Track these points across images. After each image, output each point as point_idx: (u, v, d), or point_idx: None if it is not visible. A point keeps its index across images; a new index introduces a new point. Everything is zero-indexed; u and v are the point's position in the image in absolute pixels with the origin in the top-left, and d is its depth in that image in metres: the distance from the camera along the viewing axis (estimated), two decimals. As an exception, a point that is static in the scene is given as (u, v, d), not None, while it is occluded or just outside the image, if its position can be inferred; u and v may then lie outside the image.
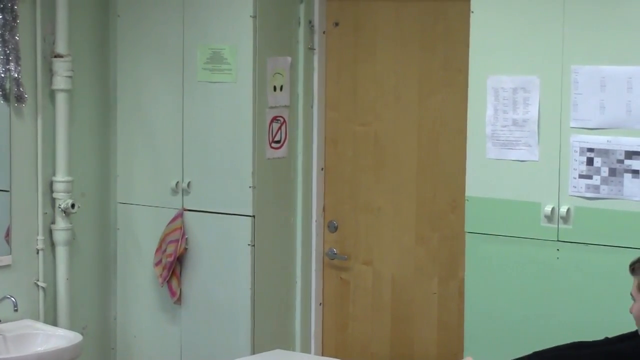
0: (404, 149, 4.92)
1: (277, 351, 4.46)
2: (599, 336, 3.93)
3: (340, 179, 5.09)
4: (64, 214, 5.03)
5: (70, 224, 5.06)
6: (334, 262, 5.13)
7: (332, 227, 5.12)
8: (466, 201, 4.28)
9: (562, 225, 4.05)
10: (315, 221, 5.13)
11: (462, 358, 4.25)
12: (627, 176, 3.92)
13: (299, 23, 5.01)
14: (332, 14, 5.06)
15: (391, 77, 4.94)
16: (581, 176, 4.01)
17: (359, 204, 5.06)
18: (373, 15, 4.97)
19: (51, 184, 5.03)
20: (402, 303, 4.97)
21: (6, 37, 4.74)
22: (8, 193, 4.88)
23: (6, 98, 4.80)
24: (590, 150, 3.98)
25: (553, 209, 4.06)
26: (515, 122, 4.14)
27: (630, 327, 3.79)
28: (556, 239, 4.07)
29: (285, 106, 4.96)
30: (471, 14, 4.23)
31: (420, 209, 4.90)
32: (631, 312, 3.43)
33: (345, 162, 5.07)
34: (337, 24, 5.06)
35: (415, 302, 4.93)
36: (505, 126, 4.16)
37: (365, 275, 5.07)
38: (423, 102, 4.86)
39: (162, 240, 5.06)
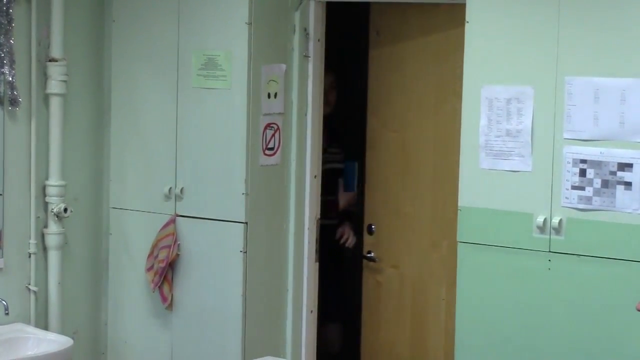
0: (423, 157, 5.06)
1: (268, 358, 4.44)
2: (589, 347, 3.95)
3: (378, 183, 5.21)
4: (56, 218, 5.02)
5: (63, 228, 5.06)
6: (370, 264, 5.26)
7: (370, 231, 5.28)
8: (459, 211, 4.28)
9: (554, 236, 4.05)
10: (308, 228, 5.12)
11: None
12: (620, 188, 3.93)
13: (294, 30, 5.00)
14: (374, 23, 5.21)
15: (419, 86, 5.05)
16: (574, 187, 4.01)
17: (390, 208, 5.18)
18: (407, 26, 5.07)
19: (44, 188, 5.01)
20: (418, 307, 5.06)
21: (1, 41, 4.72)
22: (1, 197, 4.85)
23: (0, 101, 4.79)
24: (583, 161, 3.99)
25: (545, 219, 4.06)
26: (508, 133, 4.15)
27: (620, 339, 3.80)
28: (548, 250, 4.07)
29: (280, 113, 4.96)
30: (466, 24, 4.24)
31: (434, 215, 5.00)
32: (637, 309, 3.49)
33: (382, 167, 5.19)
34: (378, 33, 5.17)
35: (429, 306, 5.02)
36: (498, 136, 4.17)
37: (392, 278, 5.16)
38: (438, 111, 4.97)
39: (154, 246, 5.05)
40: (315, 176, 5.11)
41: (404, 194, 5.11)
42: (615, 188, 3.94)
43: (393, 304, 5.17)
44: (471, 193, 4.25)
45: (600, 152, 3.96)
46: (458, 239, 4.29)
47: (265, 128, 4.90)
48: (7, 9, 4.72)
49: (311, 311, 5.17)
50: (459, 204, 4.28)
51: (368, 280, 5.27)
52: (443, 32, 4.88)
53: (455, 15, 4.75)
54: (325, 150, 5.25)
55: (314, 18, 5.04)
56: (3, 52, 4.74)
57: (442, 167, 4.92)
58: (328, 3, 5.06)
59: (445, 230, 4.88)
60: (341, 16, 5.23)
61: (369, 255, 5.27)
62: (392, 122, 5.15)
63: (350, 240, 5.52)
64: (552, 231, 4.05)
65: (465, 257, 4.28)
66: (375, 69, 5.20)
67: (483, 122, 4.20)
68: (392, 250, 5.16)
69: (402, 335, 5.11)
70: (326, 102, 5.18)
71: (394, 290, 5.15)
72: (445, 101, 4.90)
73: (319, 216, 5.13)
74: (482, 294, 4.23)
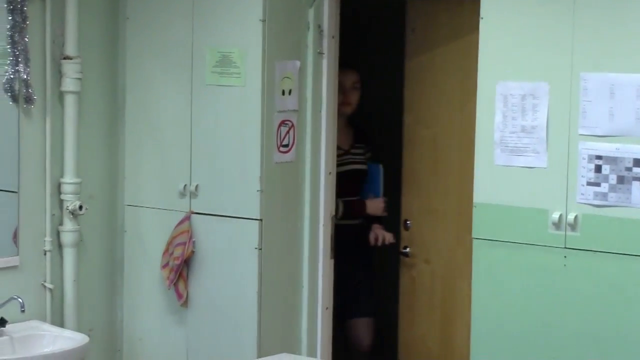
0: (450, 153, 5.10)
1: (283, 355, 4.44)
2: (604, 344, 3.94)
3: (413, 180, 5.22)
4: (71, 216, 5.03)
5: (78, 225, 5.07)
6: (406, 260, 5.28)
7: (406, 226, 5.30)
8: (474, 207, 4.29)
9: (569, 233, 4.05)
10: (323, 225, 5.11)
11: None
12: (636, 184, 3.92)
13: (308, 27, 5.00)
14: (410, 20, 5.21)
15: (448, 82, 5.07)
16: (589, 183, 4.01)
17: (423, 204, 5.20)
18: (439, 23, 5.09)
19: (59, 185, 5.02)
20: (447, 303, 5.08)
21: (16, 39, 4.74)
22: (16, 194, 4.87)
23: (15, 99, 4.80)
24: (599, 157, 3.98)
25: (561, 216, 4.06)
26: (523, 129, 4.15)
27: (636, 335, 3.79)
28: (563, 246, 4.07)
29: (294, 110, 4.95)
30: (480, 20, 4.24)
31: (459, 211, 4.99)
32: None
33: (416, 163, 5.21)
34: (413, 30, 5.18)
35: (456, 302, 5.04)
36: (513, 132, 4.17)
37: (424, 274, 5.19)
38: (464, 107, 4.96)
39: (169, 243, 5.06)
40: (330, 173, 5.09)
41: (435, 190, 5.13)
42: (631, 184, 3.93)
43: (425, 299, 5.19)
44: (486, 189, 4.25)
45: (616, 148, 3.95)
46: (473, 236, 4.30)
47: (280, 125, 4.90)
48: (22, 7, 4.74)
49: (326, 308, 5.16)
50: (474, 200, 4.29)
51: (404, 276, 5.28)
52: (468, 28, 4.82)
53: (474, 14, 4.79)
54: (348, 151, 5.23)
55: (328, 15, 5.03)
56: (18, 50, 4.75)
57: (467, 163, 4.83)
58: (342, 0, 5.07)
59: (470, 226, 4.86)
60: (375, 13, 5.24)
61: (404, 250, 5.26)
62: (425, 118, 5.15)
63: (387, 238, 5.50)
64: (568, 227, 4.05)
65: (481, 254, 4.28)
66: (411, 66, 5.19)
67: (498, 118, 4.20)
68: (424, 245, 5.18)
69: (432, 331, 5.13)
70: (347, 103, 5.18)
71: (426, 286, 5.17)
72: (470, 98, 4.83)
73: (334, 213, 5.12)
74: (498, 291, 4.24)
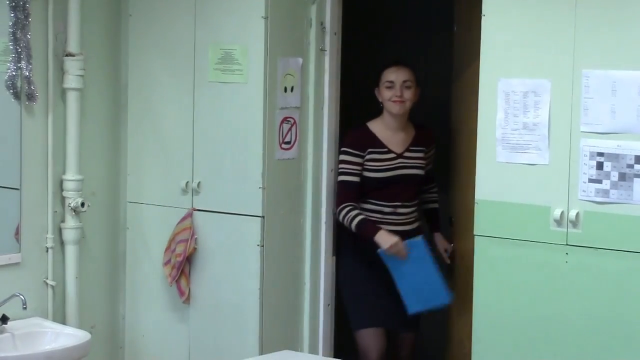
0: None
1: (285, 352, 4.46)
2: (606, 341, 3.93)
3: (456, 174, 5.15)
4: (73, 213, 5.03)
5: (80, 222, 5.07)
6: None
7: (451, 222, 5.24)
8: (475, 204, 4.28)
9: (571, 230, 4.04)
10: (325, 222, 5.12)
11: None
12: (637, 181, 3.92)
13: (311, 24, 5.00)
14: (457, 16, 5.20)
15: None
16: (591, 180, 4.00)
17: (462, 199, 5.07)
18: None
19: (61, 182, 5.02)
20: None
21: (18, 35, 4.74)
22: (18, 191, 4.88)
23: (17, 96, 4.80)
24: (600, 154, 3.98)
25: (562, 212, 4.05)
26: (525, 126, 4.14)
27: (637, 332, 3.78)
28: (565, 243, 4.06)
29: (296, 107, 4.96)
30: (482, 17, 4.23)
31: (457, 207, 5.04)
32: None
33: (462, 156, 5.10)
34: None
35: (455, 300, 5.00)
36: (515, 129, 4.17)
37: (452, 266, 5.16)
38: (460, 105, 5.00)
39: (171, 240, 5.07)
40: (332, 170, 5.10)
41: (470, 185, 5.03)
42: (632, 181, 3.92)
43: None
44: (488, 186, 4.24)
45: (618, 145, 3.94)
46: (475, 233, 4.29)
47: (282, 122, 4.91)
48: (24, 3, 4.74)
49: (328, 304, 5.16)
50: (476, 197, 4.28)
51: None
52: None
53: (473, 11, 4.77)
54: (400, 155, 4.97)
55: (330, 11, 5.04)
56: (20, 47, 4.75)
57: (466, 158, 4.86)
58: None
59: (468, 224, 4.81)
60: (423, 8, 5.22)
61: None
62: (473, 113, 5.05)
63: (449, 249, 5.19)
64: (569, 224, 4.04)
65: (482, 251, 4.27)
66: (458, 61, 5.16)
67: (500, 115, 4.20)
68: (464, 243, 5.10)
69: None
70: (399, 101, 4.90)
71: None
72: (468, 94, 4.85)
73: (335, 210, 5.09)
74: (499, 288, 4.23)
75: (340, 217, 4.94)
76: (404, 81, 4.94)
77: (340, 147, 5.03)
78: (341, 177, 4.96)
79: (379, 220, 4.95)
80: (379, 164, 4.96)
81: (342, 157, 4.97)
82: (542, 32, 4.09)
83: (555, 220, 4.07)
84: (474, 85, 4.66)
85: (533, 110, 4.12)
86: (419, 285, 4.84)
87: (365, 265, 5.00)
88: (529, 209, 4.14)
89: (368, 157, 4.96)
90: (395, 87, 4.93)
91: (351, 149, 4.95)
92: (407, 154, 5.01)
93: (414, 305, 4.86)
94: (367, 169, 4.96)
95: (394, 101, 4.93)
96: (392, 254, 4.85)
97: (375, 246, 4.86)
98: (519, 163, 4.16)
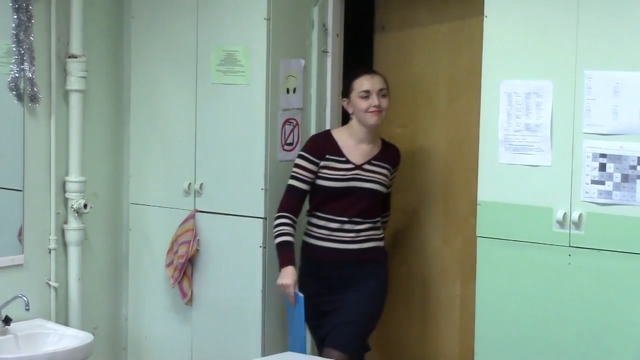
0: (433, 152, 5.02)
1: (288, 354, 4.46)
2: (608, 342, 3.92)
3: None
4: (76, 214, 5.04)
5: (83, 224, 5.07)
6: None
7: None
8: (478, 205, 4.27)
9: (573, 231, 4.04)
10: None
11: None
12: (640, 182, 3.92)
13: (313, 26, 5.01)
14: (379, 18, 5.19)
15: (424, 81, 5.02)
16: (593, 182, 4.00)
17: (398, 204, 5.08)
18: (414, 20, 5.07)
19: (64, 184, 5.03)
20: (430, 303, 5.04)
21: (21, 37, 4.75)
22: (21, 192, 4.89)
23: (20, 98, 4.81)
24: (603, 155, 3.97)
25: (565, 214, 4.04)
26: (528, 127, 4.13)
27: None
28: (568, 245, 4.05)
29: (298, 109, 4.96)
30: (484, 19, 4.22)
31: (446, 211, 4.97)
32: None
33: None
34: (383, 28, 5.17)
35: (441, 302, 5.00)
36: (518, 131, 4.16)
37: (400, 276, 5.12)
38: (450, 106, 4.94)
39: (174, 241, 5.07)
40: None
41: (412, 190, 5.08)
42: (635, 182, 3.92)
43: (401, 301, 5.13)
44: (490, 188, 4.23)
45: (620, 147, 3.94)
46: (477, 234, 4.28)
47: (284, 123, 4.91)
48: (27, 5, 4.75)
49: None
50: (478, 198, 4.27)
51: None
52: (455, 24, 4.88)
53: (469, 7, 4.78)
54: (359, 166, 4.70)
55: (332, 13, 5.05)
56: (23, 49, 4.76)
57: (456, 162, 4.91)
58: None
59: (459, 226, 4.89)
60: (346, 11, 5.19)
61: None
62: (398, 118, 5.08)
63: None
64: (572, 226, 4.03)
65: (485, 252, 4.26)
66: (381, 63, 5.12)
67: (502, 116, 4.19)
68: (399, 247, 5.13)
69: (412, 333, 5.10)
70: (376, 111, 4.64)
71: (402, 288, 5.12)
72: (459, 96, 4.89)
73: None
74: (502, 289, 4.22)
75: (273, 225, 4.71)
76: (380, 89, 4.67)
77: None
78: (290, 181, 4.71)
79: (325, 237, 4.70)
80: (334, 172, 4.68)
81: (298, 160, 4.71)
82: (544, 33, 4.08)
83: (558, 222, 4.06)
84: (403, 86, 4.89)
85: (535, 112, 4.11)
86: (294, 334, 4.69)
87: (315, 280, 4.74)
88: (532, 211, 4.13)
89: (323, 164, 4.69)
90: (371, 96, 4.64)
91: (308, 154, 4.70)
92: (366, 167, 4.70)
93: (291, 348, 4.69)
94: (320, 176, 4.69)
95: (372, 112, 4.65)
96: (282, 293, 4.67)
97: (325, 261, 4.72)
98: (522, 164, 4.15)
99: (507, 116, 4.18)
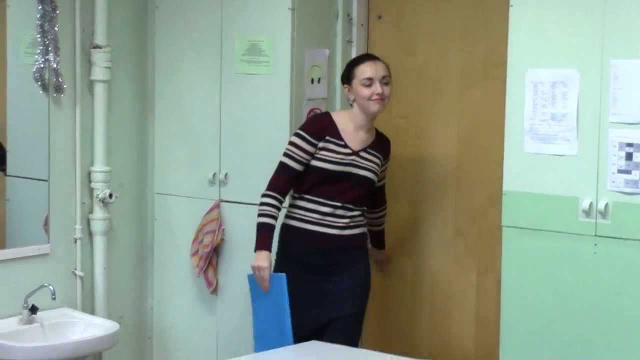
0: (444, 143, 4.94)
1: (314, 342, 4.42)
2: (634, 332, 3.91)
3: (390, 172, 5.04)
4: (101, 204, 5.06)
5: (108, 213, 5.10)
6: (376, 255, 5.12)
7: None
8: (503, 195, 4.25)
9: (600, 220, 4.02)
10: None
11: (499, 351, 4.28)
12: (667, 172, 3.91)
13: (337, 16, 5.01)
14: (375, 7, 5.09)
15: (432, 70, 4.96)
16: (620, 171, 3.98)
17: (399, 196, 5.07)
18: (415, 9, 5.00)
19: (89, 174, 5.06)
20: (441, 295, 5.00)
21: (45, 28, 4.78)
22: (47, 182, 4.92)
23: (45, 88, 4.84)
24: (630, 145, 3.95)
25: (591, 203, 4.03)
26: (553, 116, 4.11)
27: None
28: (594, 234, 4.04)
29: (323, 98, 4.96)
30: (510, 8, 4.20)
31: (459, 202, 4.92)
32: None
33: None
34: (380, 17, 5.09)
35: (454, 294, 4.95)
36: (543, 120, 4.14)
37: (404, 267, 5.09)
38: (462, 96, 4.87)
39: (199, 231, 5.08)
40: None
41: (418, 182, 5.04)
42: (662, 172, 3.91)
43: (406, 294, 5.10)
44: (516, 177, 4.21)
45: (647, 136, 3.93)
46: (503, 224, 4.26)
47: (309, 113, 4.91)
48: (52, -4, 4.77)
49: (355, 295, 5.16)
50: (504, 188, 4.25)
51: (372, 271, 5.08)
52: (468, 13, 4.84)
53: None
54: (355, 152, 4.62)
55: (357, 3, 5.05)
56: (48, 40, 4.79)
57: (469, 153, 4.86)
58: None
59: (474, 217, 4.85)
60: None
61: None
62: (400, 108, 5.03)
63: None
64: (598, 215, 4.02)
65: (510, 242, 4.25)
66: (377, 53, 4.93)
67: (528, 106, 4.17)
68: (402, 238, 5.10)
69: (418, 325, 5.06)
70: (379, 98, 4.55)
71: (407, 280, 5.09)
72: (472, 86, 4.84)
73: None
74: (528, 278, 4.21)
75: (260, 202, 4.59)
76: (383, 77, 4.56)
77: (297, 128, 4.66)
78: (284, 159, 4.57)
79: (315, 221, 4.60)
80: (332, 155, 4.57)
81: (295, 139, 4.56)
82: (570, 21, 4.06)
83: (584, 211, 4.04)
84: (404, 76, 4.83)
85: (561, 101, 4.10)
86: (269, 324, 4.54)
87: (295, 265, 4.63)
88: (558, 200, 4.11)
89: (322, 145, 4.57)
90: (374, 84, 4.54)
91: (307, 134, 4.57)
92: (362, 154, 4.62)
93: (260, 346, 4.54)
94: (318, 158, 4.57)
95: (375, 100, 4.54)
96: (256, 277, 4.52)
97: (311, 246, 4.62)
98: (548, 154, 4.13)
99: (533, 106, 4.16)
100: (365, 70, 4.57)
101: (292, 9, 4.78)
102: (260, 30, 4.88)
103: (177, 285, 5.29)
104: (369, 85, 4.55)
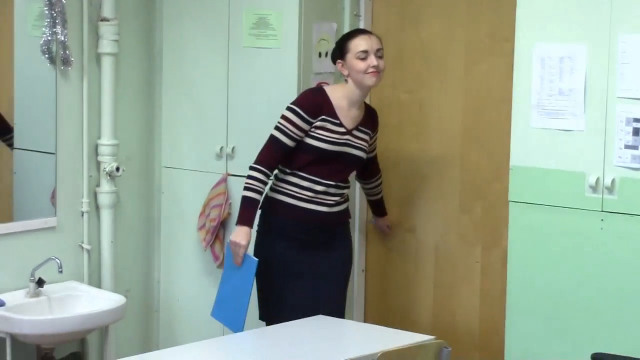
0: (448, 118, 4.94)
1: (320, 317, 4.44)
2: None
3: (385, 146, 5.06)
4: (108, 177, 5.07)
5: (115, 187, 5.11)
6: (376, 228, 5.18)
7: None
8: (510, 170, 4.26)
9: (606, 196, 4.03)
10: (359, 187, 5.12)
11: (504, 326, 4.29)
12: (674, 147, 3.91)
13: (345, -11, 5.03)
14: None
15: (437, 45, 4.96)
16: (627, 146, 3.98)
17: (403, 171, 5.08)
18: None
19: (96, 147, 5.07)
20: (445, 271, 5.00)
21: (53, 0, 4.77)
22: (54, 156, 4.93)
23: (52, 61, 4.85)
24: (637, 120, 3.96)
25: (598, 179, 4.03)
26: (561, 91, 4.11)
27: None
28: (600, 209, 4.04)
29: (330, 72, 4.96)
30: (518, -18, 4.21)
31: (464, 178, 4.91)
32: None
33: (390, 129, 5.06)
34: None
35: (458, 270, 4.96)
36: (551, 95, 4.14)
37: (407, 243, 5.10)
38: (469, 71, 4.87)
39: (205, 205, 5.09)
40: None
41: (423, 157, 5.04)
42: (669, 147, 3.91)
43: (408, 268, 5.11)
44: (523, 152, 4.22)
45: (655, 111, 3.93)
46: (509, 199, 4.27)
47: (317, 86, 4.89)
48: (60, -32, 4.77)
49: (362, 270, 5.19)
50: (511, 163, 4.26)
51: (373, 246, 5.21)
52: None
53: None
54: (349, 132, 4.59)
55: (364, -24, 5.06)
56: (55, 12, 4.78)
57: (474, 128, 4.86)
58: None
59: (479, 192, 4.86)
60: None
61: (374, 219, 5.15)
62: (404, 83, 5.04)
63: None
64: (605, 190, 4.03)
65: (517, 217, 4.26)
66: (380, 28, 5.03)
67: (535, 81, 4.17)
68: (405, 214, 5.10)
69: (422, 301, 5.07)
70: (374, 71, 4.50)
71: (410, 255, 5.10)
72: (479, 61, 4.83)
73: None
74: (534, 253, 4.22)
75: (247, 175, 4.55)
76: (378, 49, 4.51)
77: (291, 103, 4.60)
78: (275, 133, 4.53)
79: (308, 198, 4.56)
80: (328, 134, 4.53)
81: (288, 114, 4.51)
82: None
83: (591, 187, 4.05)
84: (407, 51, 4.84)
85: (569, 76, 4.09)
86: (230, 298, 4.57)
87: (283, 240, 4.63)
88: (564, 175, 4.12)
89: (319, 124, 4.52)
90: (369, 57, 4.48)
91: (302, 111, 4.52)
92: (355, 132, 4.60)
93: (217, 313, 4.64)
94: (313, 136, 4.53)
95: (371, 72, 4.49)
96: (232, 251, 4.52)
97: (302, 222, 4.59)
98: (555, 129, 4.13)
99: (541, 80, 4.16)
100: (360, 43, 4.51)
101: (301, -17, 4.81)
102: (268, 4, 4.88)
103: (183, 259, 5.31)
104: (364, 59, 4.50)
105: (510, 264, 4.30)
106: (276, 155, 4.55)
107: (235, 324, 4.50)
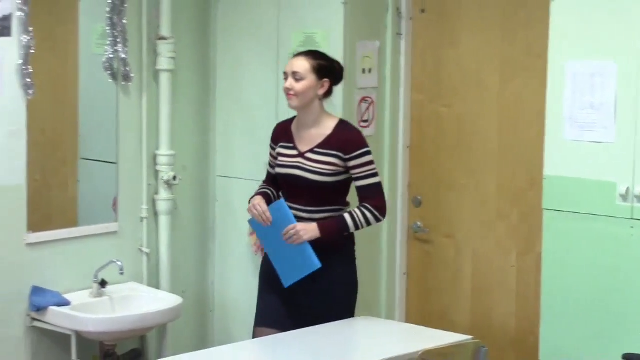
0: (484, 130, 4.97)
1: (364, 317, 4.51)
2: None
3: (425, 157, 5.13)
4: (166, 186, 5.16)
5: (172, 195, 5.19)
6: (418, 234, 5.19)
7: (417, 202, 5.17)
8: (544, 180, 4.28)
9: (636, 204, 4.04)
10: (401, 195, 5.17)
11: (540, 328, 4.31)
12: (701, 158, 3.89)
13: (387, 10, 5.07)
14: (419, 1, 5.14)
15: (474, 62, 4.98)
16: (655, 158, 3.97)
17: (442, 181, 5.11)
18: (458, 3, 5.03)
19: (155, 157, 5.16)
20: (482, 275, 5.01)
21: (115, 21, 4.90)
22: (115, 165, 5.03)
23: (114, 77, 4.96)
24: (665, 132, 3.93)
25: (628, 188, 4.06)
26: (592, 105, 4.13)
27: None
28: (630, 217, 4.07)
29: (374, 88, 5.03)
30: (551, 2, 4.24)
31: (500, 187, 4.92)
32: None
33: (429, 141, 5.12)
34: (423, 11, 5.13)
35: (494, 274, 4.96)
36: (582, 109, 4.16)
37: (446, 248, 5.13)
38: (504, 86, 4.88)
39: (256, 212, 5.16)
40: (407, 146, 5.16)
41: (459, 167, 5.06)
42: (696, 159, 3.89)
43: (447, 272, 5.12)
44: (556, 163, 4.24)
45: (682, 124, 3.91)
46: (543, 207, 4.28)
47: (361, 101, 4.99)
48: (121, -9, 4.85)
49: (404, 273, 5.22)
50: (544, 172, 4.27)
51: (414, 250, 5.24)
52: (509, 8, 4.84)
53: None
54: (302, 154, 4.37)
55: (406, -2, 5.07)
56: (117, 31, 4.90)
57: (510, 140, 4.88)
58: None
59: (515, 201, 4.87)
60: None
61: (415, 225, 5.19)
62: (442, 97, 5.09)
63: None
64: (635, 199, 4.04)
65: (551, 224, 4.27)
66: (420, 45, 5.13)
67: (567, 95, 4.19)
68: (444, 220, 5.12)
69: (459, 304, 5.09)
70: (290, 94, 4.38)
71: (449, 259, 5.11)
72: (512, 77, 4.84)
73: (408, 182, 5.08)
74: (567, 260, 4.24)
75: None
76: (294, 72, 4.27)
77: None
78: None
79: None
80: (282, 159, 4.40)
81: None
82: (610, 15, 4.07)
83: (621, 195, 4.06)
84: (447, 67, 4.83)
85: (600, 91, 4.11)
86: (287, 254, 4.30)
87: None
88: (596, 185, 4.13)
89: (278, 150, 4.44)
90: (287, 79, 4.31)
91: (270, 140, 4.53)
92: (308, 155, 4.33)
93: (287, 278, 4.32)
94: (276, 163, 4.45)
95: (287, 94, 4.32)
96: (254, 219, 4.34)
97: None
98: (586, 141, 4.15)
99: (572, 95, 4.18)
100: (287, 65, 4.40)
101: (345, 3, 4.86)
102: (315, 23, 4.93)
103: (236, 262, 5.34)
104: (286, 80, 4.36)
105: (544, 268, 4.32)
106: (267, 181, 4.59)
107: (310, 265, 4.25)
